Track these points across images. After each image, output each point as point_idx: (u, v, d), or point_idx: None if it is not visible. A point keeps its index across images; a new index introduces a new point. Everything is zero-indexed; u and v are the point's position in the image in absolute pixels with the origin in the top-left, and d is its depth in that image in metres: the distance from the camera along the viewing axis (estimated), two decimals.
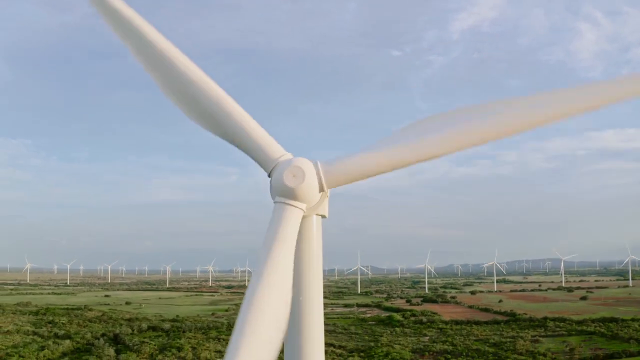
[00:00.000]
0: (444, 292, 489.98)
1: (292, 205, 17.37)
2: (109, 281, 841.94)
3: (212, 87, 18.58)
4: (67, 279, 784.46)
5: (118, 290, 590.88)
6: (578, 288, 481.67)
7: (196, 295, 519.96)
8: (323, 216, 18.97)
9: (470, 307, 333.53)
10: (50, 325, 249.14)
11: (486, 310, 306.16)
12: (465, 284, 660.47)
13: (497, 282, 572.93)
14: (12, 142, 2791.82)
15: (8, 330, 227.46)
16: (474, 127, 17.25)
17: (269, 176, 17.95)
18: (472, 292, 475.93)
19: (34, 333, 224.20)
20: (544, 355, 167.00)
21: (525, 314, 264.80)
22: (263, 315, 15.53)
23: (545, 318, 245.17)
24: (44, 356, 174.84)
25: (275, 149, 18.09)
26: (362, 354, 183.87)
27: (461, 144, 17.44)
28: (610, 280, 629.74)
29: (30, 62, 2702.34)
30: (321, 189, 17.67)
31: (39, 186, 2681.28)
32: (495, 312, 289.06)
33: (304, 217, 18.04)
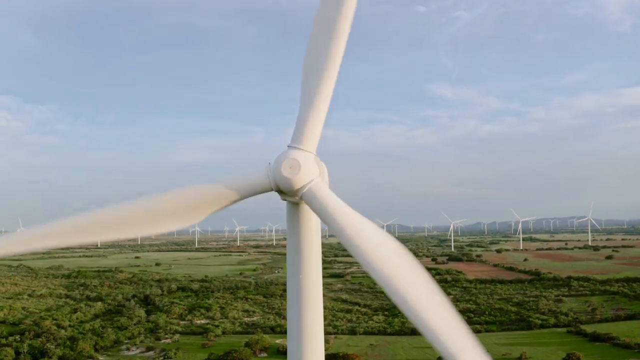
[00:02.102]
0: (469, 250, 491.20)
1: (312, 184, 19.56)
2: (139, 243, 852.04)
3: (189, 194, 20.83)
4: (97, 242, 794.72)
5: (148, 251, 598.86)
6: (604, 247, 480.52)
7: (224, 255, 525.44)
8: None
9: (495, 265, 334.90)
10: (82, 287, 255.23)
11: (511, 269, 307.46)
12: (492, 242, 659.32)
13: (524, 240, 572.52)
14: (39, 107, 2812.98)
15: (41, 294, 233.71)
16: None
17: (278, 191, 20.12)
18: (498, 251, 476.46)
19: (67, 296, 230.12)
20: (566, 315, 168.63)
21: (550, 273, 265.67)
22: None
23: (570, 277, 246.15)
24: (77, 318, 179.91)
25: (259, 175, 20.05)
26: (386, 312, 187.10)
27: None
28: (638, 239, 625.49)
29: (56, 30, 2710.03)
30: (295, 194, 19.78)
31: (66, 151, 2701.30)
32: (520, 271, 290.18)
33: (300, 203, 20.31)
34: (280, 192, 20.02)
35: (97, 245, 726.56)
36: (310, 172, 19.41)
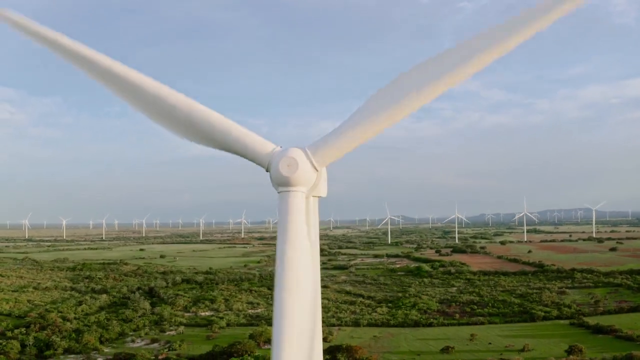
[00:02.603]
0: (473, 242, 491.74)
1: (295, 190, 20.21)
2: (144, 235, 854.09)
3: (192, 105, 21.40)
4: (102, 234, 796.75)
5: (153, 243, 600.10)
6: (609, 239, 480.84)
7: (229, 247, 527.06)
8: (320, 196, 21.84)
9: (499, 257, 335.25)
10: (87, 280, 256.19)
11: (515, 260, 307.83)
12: (496, 234, 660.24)
13: (528, 232, 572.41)
14: (43, 100, 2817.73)
15: (47, 287, 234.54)
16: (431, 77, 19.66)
17: (267, 171, 20.68)
18: (502, 242, 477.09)
19: (72, 288, 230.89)
20: (569, 307, 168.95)
21: (554, 265, 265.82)
22: (296, 309, 18.66)
23: (573, 269, 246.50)
24: (82, 311, 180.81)
25: (266, 146, 20.79)
26: (390, 304, 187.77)
27: (425, 98, 19.95)
28: None
29: (59, 21, 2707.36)
30: (315, 170, 20.35)
31: (71, 143, 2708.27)
32: (524, 263, 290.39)
33: (310, 194, 20.95)
34: (267, 171, 20.97)
35: (102, 238, 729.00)
36: (299, 182, 20.03)
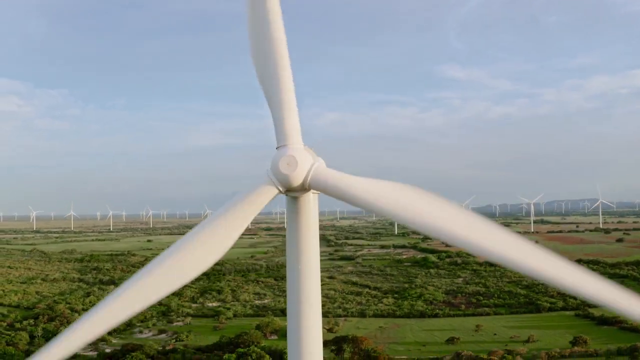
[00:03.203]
0: None
1: (274, 185, 20.65)
2: (151, 226, 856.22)
3: (285, 61, 21.67)
4: (110, 225, 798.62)
5: (160, 234, 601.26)
6: (615, 230, 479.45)
7: None
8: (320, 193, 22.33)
9: None
10: (95, 271, 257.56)
11: None
12: (503, 225, 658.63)
13: (535, 222, 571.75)
14: (50, 92, 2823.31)
15: (55, 278, 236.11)
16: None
17: (277, 148, 21.02)
18: None
19: (80, 280, 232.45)
20: (575, 298, 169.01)
21: (560, 256, 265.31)
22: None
23: (579, 260, 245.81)
24: (90, 302, 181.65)
25: (295, 135, 21.02)
26: (396, 295, 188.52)
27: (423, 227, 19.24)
28: None
29: (64, 15, 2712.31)
30: (302, 187, 20.68)
31: (78, 135, 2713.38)
32: None
33: (300, 195, 21.38)
34: (288, 191, 20.80)
35: (109, 229, 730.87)
36: (306, 162, 20.29)
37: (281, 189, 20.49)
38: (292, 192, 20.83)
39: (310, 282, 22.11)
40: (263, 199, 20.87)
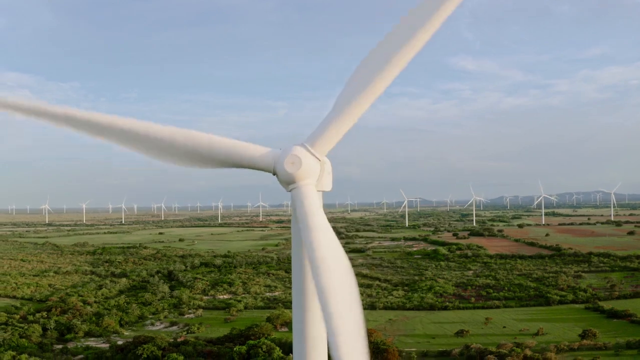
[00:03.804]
0: (491, 225, 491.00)
1: (304, 184, 21.42)
2: (163, 218, 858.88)
3: (188, 134, 22.58)
4: (122, 218, 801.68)
5: (171, 227, 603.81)
6: (627, 222, 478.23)
7: (247, 230, 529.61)
8: (325, 191, 23.00)
9: (517, 240, 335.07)
10: (107, 264, 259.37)
11: (532, 244, 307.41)
12: (514, 217, 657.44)
13: (546, 215, 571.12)
14: (62, 85, 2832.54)
15: (67, 271, 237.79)
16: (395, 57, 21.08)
17: (274, 174, 21.80)
18: (520, 226, 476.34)
19: (92, 272, 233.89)
20: (585, 291, 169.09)
21: (571, 248, 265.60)
22: (338, 295, 19.50)
23: (590, 253, 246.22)
24: (102, 294, 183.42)
25: (266, 152, 21.98)
26: (406, 287, 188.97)
27: (393, 72, 21.31)
28: None
29: (73, 8, 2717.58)
30: (317, 160, 21.61)
31: None
32: (541, 247, 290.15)
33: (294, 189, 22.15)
34: (275, 175, 21.93)
35: (121, 222, 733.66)
36: (306, 175, 21.04)
37: (271, 171, 21.73)
38: (318, 181, 21.86)
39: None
40: (254, 162, 22.61)
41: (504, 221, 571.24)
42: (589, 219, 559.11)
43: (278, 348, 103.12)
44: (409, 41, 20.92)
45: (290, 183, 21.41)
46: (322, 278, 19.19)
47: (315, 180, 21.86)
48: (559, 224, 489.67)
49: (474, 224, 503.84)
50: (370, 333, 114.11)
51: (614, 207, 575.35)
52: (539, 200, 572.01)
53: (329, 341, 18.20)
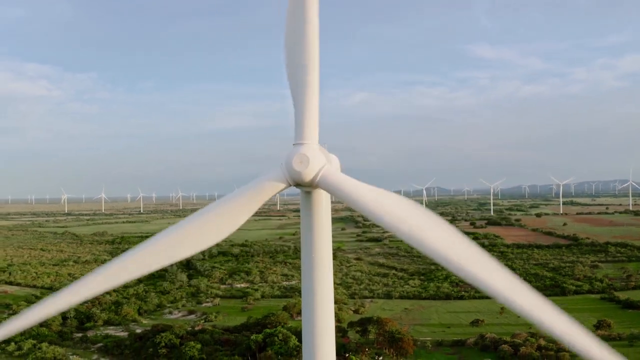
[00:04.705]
0: (509, 214, 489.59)
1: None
2: (181, 207, 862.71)
3: (314, 63, 23.01)
4: (140, 207, 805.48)
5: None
6: None
7: (265, 219, 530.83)
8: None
9: (534, 230, 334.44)
10: None
11: (549, 233, 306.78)
12: (532, 206, 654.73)
13: (564, 204, 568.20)
14: (79, 76, 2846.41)
15: (86, 260, 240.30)
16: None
17: (297, 185, 22.31)
18: (538, 215, 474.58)
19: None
20: (601, 281, 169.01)
21: (588, 238, 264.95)
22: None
23: (607, 243, 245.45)
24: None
25: (312, 135, 22.33)
26: (422, 276, 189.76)
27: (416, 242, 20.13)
28: None
29: None
30: (311, 184, 21.92)
31: (107, 118, 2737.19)
32: (558, 236, 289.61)
33: (312, 191, 22.85)
34: (297, 185, 22.22)
35: (140, 211, 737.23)
36: (318, 162, 21.67)
37: (291, 183, 21.94)
38: (303, 187, 22.32)
39: (322, 270, 23.59)
40: (271, 190, 22.20)
41: (521, 210, 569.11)
42: (607, 208, 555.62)
43: (294, 337, 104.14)
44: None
45: (308, 180, 21.78)
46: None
47: (328, 165, 22.33)
48: (577, 214, 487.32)
49: (492, 213, 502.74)
50: (385, 322, 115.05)
51: (632, 196, 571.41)
52: (557, 189, 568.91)
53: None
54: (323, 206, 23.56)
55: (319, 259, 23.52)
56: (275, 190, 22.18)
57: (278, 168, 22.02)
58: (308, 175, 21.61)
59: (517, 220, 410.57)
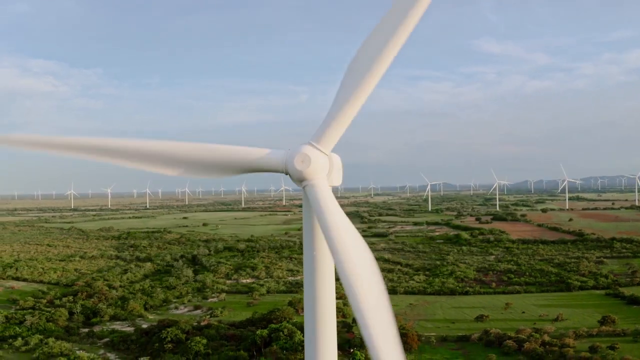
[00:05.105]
0: (514, 209, 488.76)
1: (317, 180, 22.57)
2: (187, 203, 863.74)
3: (197, 148, 23.74)
4: (146, 203, 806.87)
5: (195, 211, 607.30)
6: None
7: (270, 214, 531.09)
8: (334, 185, 24.20)
9: (540, 225, 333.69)
10: (132, 248, 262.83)
11: (555, 229, 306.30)
12: (538, 201, 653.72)
13: (570, 199, 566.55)
14: (85, 72, 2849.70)
15: (93, 256, 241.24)
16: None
17: (286, 174, 22.94)
18: (543, 210, 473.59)
19: (117, 257, 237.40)
20: (606, 277, 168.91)
21: (594, 234, 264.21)
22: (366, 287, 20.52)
23: (613, 239, 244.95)
24: (127, 279, 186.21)
25: (277, 154, 23.09)
26: (427, 272, 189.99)
27: (387, 58, 22.06)
28: None
29: None
30: (324, 155, 22.76)
31: (113, 114, 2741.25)
32: (564, 232, 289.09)
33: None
34: (287, 175, 23.03)
35: (146, 207, 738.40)
36: (316, 171, 22.23)
37: (283, 171, 23.15)
38: (293, 181, 22.99)
39: (324, 266, 23.94)
40: (267, 165, 23.69)
41: (527, 206, 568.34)
42: (613, 203, 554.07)
43: (299, 332, 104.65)
44: (396, 31, 21.82)
45: (302, 180, 22.57)
46: (347, 271, 19.64)
47: (325, 176, 23.00)
48: (583, 209, 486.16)
49: (497, 209, 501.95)
50: None
51: (638, 191, 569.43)
52: (563, 184, 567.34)
53: (364, 335, 18.34)
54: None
55: (321, 256, 23.88)
56: (268, 167, 23.66)
57: (282, 152, 22.76)
58: (302, 177, 22.53)
59: (523, 215, 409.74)
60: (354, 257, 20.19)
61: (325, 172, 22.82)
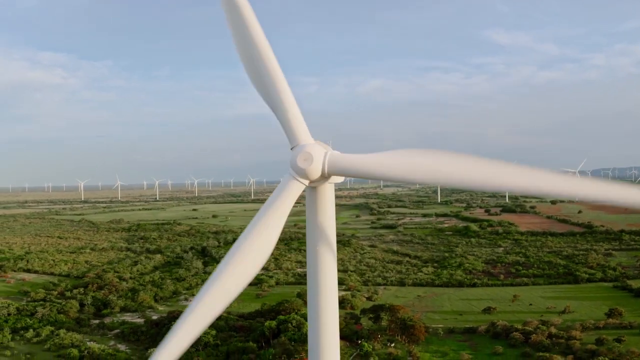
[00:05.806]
0: (524, 201, 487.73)
1: (297, 180, 23.05)
2: (196, 195, 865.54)
3: (275, 69, 23.88)
4: (156, 195, 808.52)
5: (205, 203, 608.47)
6: None
7: None
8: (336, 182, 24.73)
9: (549, 217, 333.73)
10: (142, 240, 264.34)
11: (564, 221, 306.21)
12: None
13: None
14: (94, 64, 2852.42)
15: (103, 248, 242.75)
16: (456, 168, 20.86)
17: (291, 149, 23.37)
18: (553, 202, 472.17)
19: (127, 249, 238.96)
20: (614, 269, 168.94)
21: (603, 226, 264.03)
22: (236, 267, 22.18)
23: (622, 231, 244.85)
24: (137, 271, 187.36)
25: (304, 134, 23.29)
26: (435, 264, 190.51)
27: (439, 178, 21.27)
28: None
29: None
30: (322, 175, 22.99)
31: (123, 106, 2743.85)
32: (573, 224, 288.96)
33: (320, 185, 23.71)
34: (311, 182, 23.35)
35: (155, 199, 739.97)
36: (319, 154, 22.74)
37: (305, 183, 22.97)
38: (315, 183, 23.30)
39: (327, 263, 24.55)
40: (293, 196, 23.33)
41: (536, 197, 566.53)
42: None
43: (308, 323, 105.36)
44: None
45: (319, 174, 22.76)
46: (229, 264, 23.31)
47: (312, 182, 23.27)
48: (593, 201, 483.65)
49: (507, 200, 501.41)
50: (397, 309, 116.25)
51: None
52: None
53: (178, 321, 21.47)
54: (328, 201, 24.48)
55: (324, 253, 24.44)
56: (295, 195, 23.37)
57: (288, 175, 23.13)
58: (315, 170, 22.77)
59: (532, 207, 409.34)
60: (243, 262, 23.02)
61: (325, 151, 22.98)
